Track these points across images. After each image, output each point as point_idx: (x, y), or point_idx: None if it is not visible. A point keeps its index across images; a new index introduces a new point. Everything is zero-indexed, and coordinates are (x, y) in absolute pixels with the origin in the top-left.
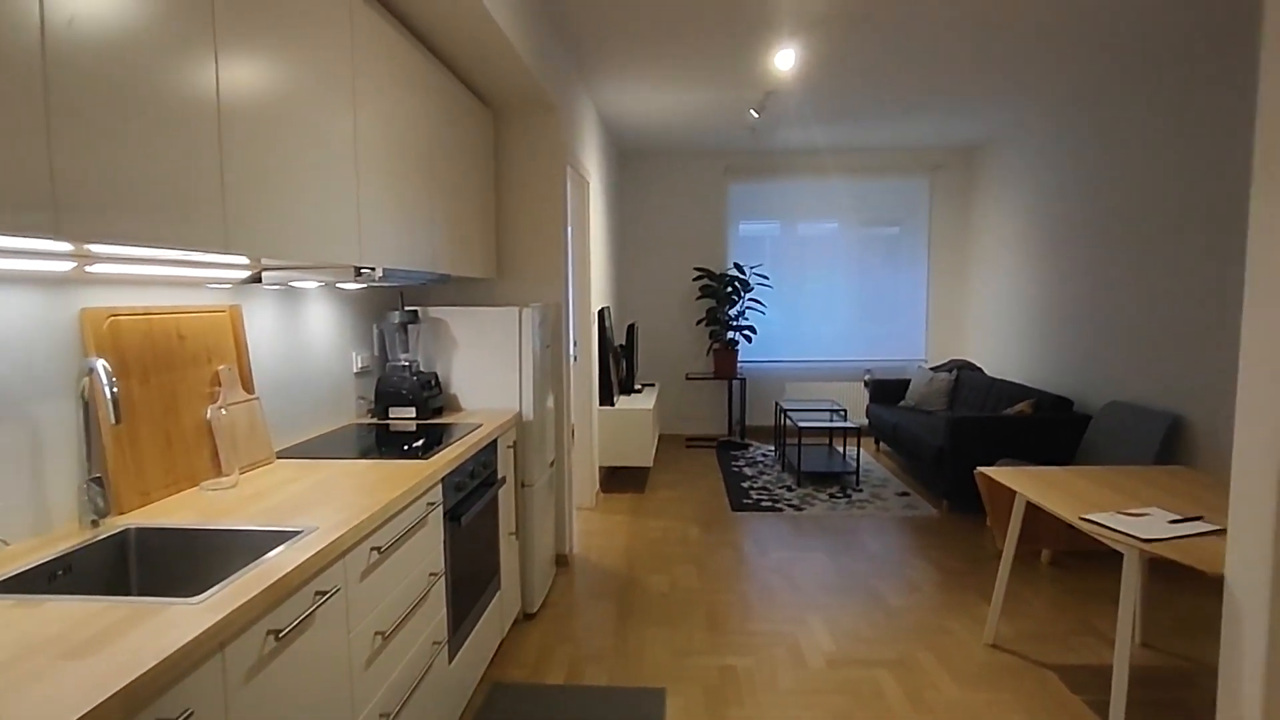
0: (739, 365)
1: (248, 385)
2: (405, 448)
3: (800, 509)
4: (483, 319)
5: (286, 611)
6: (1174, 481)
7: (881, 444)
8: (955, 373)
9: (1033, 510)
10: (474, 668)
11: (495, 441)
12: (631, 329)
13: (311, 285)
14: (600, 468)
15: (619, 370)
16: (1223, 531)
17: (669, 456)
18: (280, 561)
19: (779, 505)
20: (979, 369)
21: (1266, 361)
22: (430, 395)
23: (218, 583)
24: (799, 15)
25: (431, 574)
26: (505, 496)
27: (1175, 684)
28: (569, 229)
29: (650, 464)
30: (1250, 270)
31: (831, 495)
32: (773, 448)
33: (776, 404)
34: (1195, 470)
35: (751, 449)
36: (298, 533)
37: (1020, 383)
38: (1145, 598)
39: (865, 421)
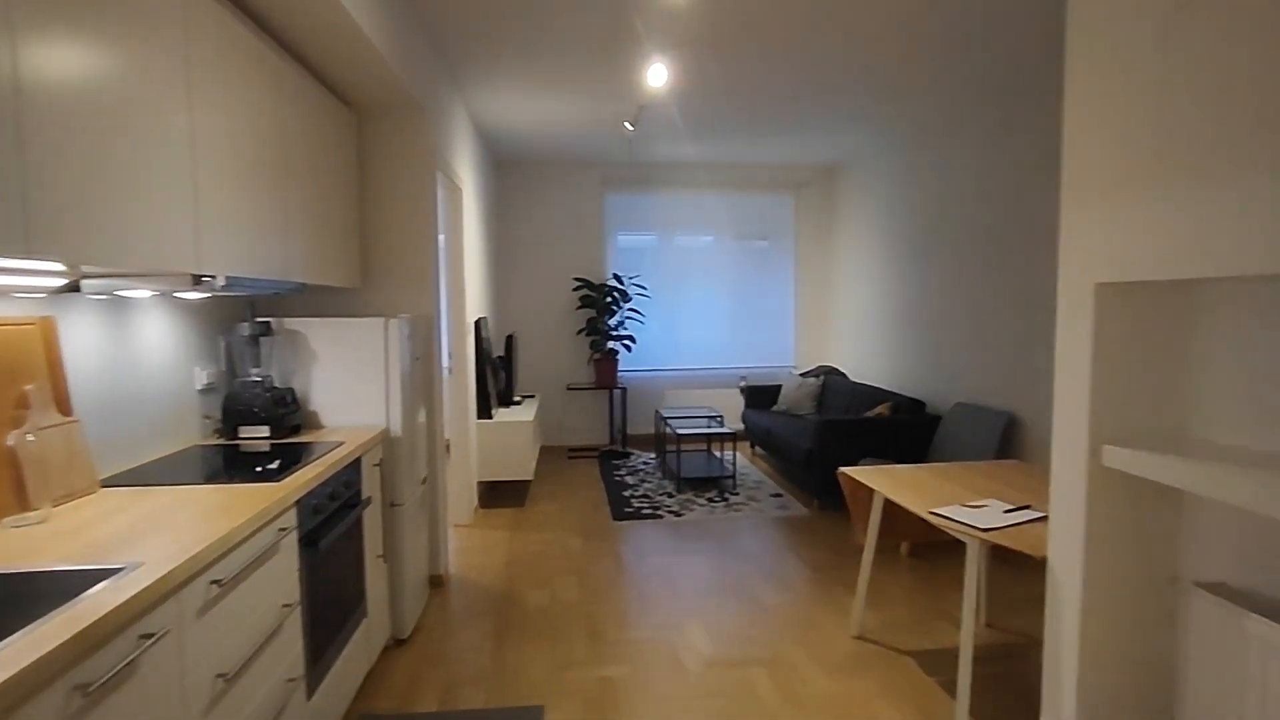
0: (619, 374)
1: (64, 407)
2: (257, 469)
3: (680, 514)
4: (346, 330)
5: (101, 661)
6: (1009, 474)
7: (757, 447)
8: (822, 378)
9: (890, 506)
10: (337, 702)
11: (359, 460)
12: (510, 340)
13: (144, 295)
14: (479, 483)
15: (497, 382)
16: (1047, 518)
17: (551, 468)
18: (94, 604)
19: (660, 512)
20: (843, 374)
21: (1076, 366)
22: (286, 412)
23: (8, 635)
24: (669, 33)
25: (285, 605)
26: (371, 517)
27: (1014, 658)
28: (441, 237)
29: (531, 477)
30: (1060, 284)
31: (710, 499)
32: (654, 455)
33: (657, 412)
34: (1027, 463)
35: (633, 458)
36: (118, 570)
37: (880, 386)
38: (989, 582)
39: (741, 426)
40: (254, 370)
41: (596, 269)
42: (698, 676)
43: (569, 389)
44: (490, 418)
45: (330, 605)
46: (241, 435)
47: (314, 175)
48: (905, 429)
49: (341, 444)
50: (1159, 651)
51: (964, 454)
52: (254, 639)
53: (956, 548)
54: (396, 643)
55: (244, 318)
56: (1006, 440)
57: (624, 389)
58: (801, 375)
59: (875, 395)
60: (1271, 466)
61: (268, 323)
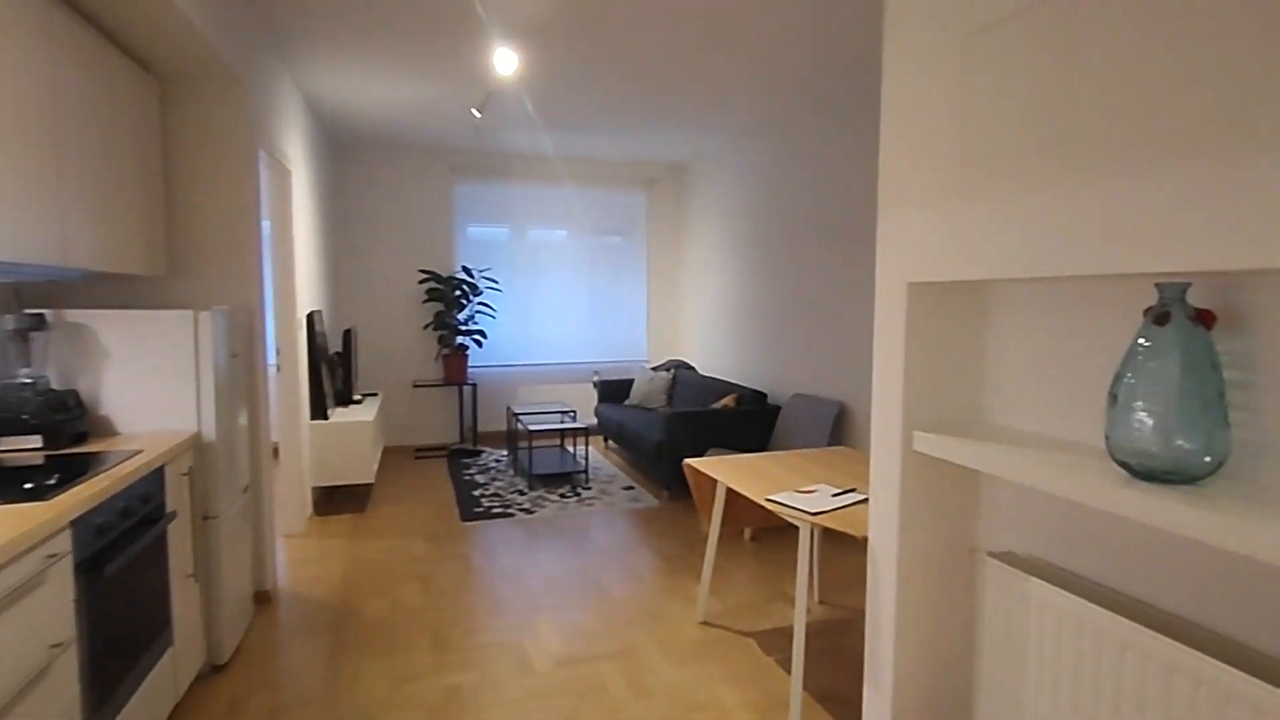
0: (469, 370)
1: None
2: (24, 486)
3: (532, 512)
4: (146, 325)
5: None
6: (839, 460)
7: (610, 441)
8: (673, 372)
9: (732, 495)
10: None
11: (162, 470)
12: (349, 335)
13: None
14: (314, 488)
15: (334, 380)
16: (866, 500)
17: (396, 470)
18: None
19: (510, 510)
20: (693, 368)
21: (891, 359)
22: (66, 419)
23: None
24: (514, 19)
25: (54, 645)
26: (179, 533)
27: (844, 632)
28: (266, 223)
29: (372, 480)
30: (878, 282)
31: (562, 495)
32: (506, 452)
33: (508, 408)
34: (855, 450)
35: (484, 455)
36: None
37: (726, 379)
38: (823, 562)
39: (595, 421)
40: (22, 370)
41: (445, 261)
42: (547, 676)
43: (415, 386)
44: (325, 418)
45: (121, 638)
46: (3, 448)
47: (103, 147)
48: (748, 419)
49: (139, 452)
50: (962, 617)
51: (801, 442)
52: (7, 691)
53: (794, 531)
54: (214, 669)
55: (8, 310)
56: (838, 428)
57: (474, 385)
58: (653, 369)
59: (721, 388)
60: (1050, 448)
61: (41, 315)
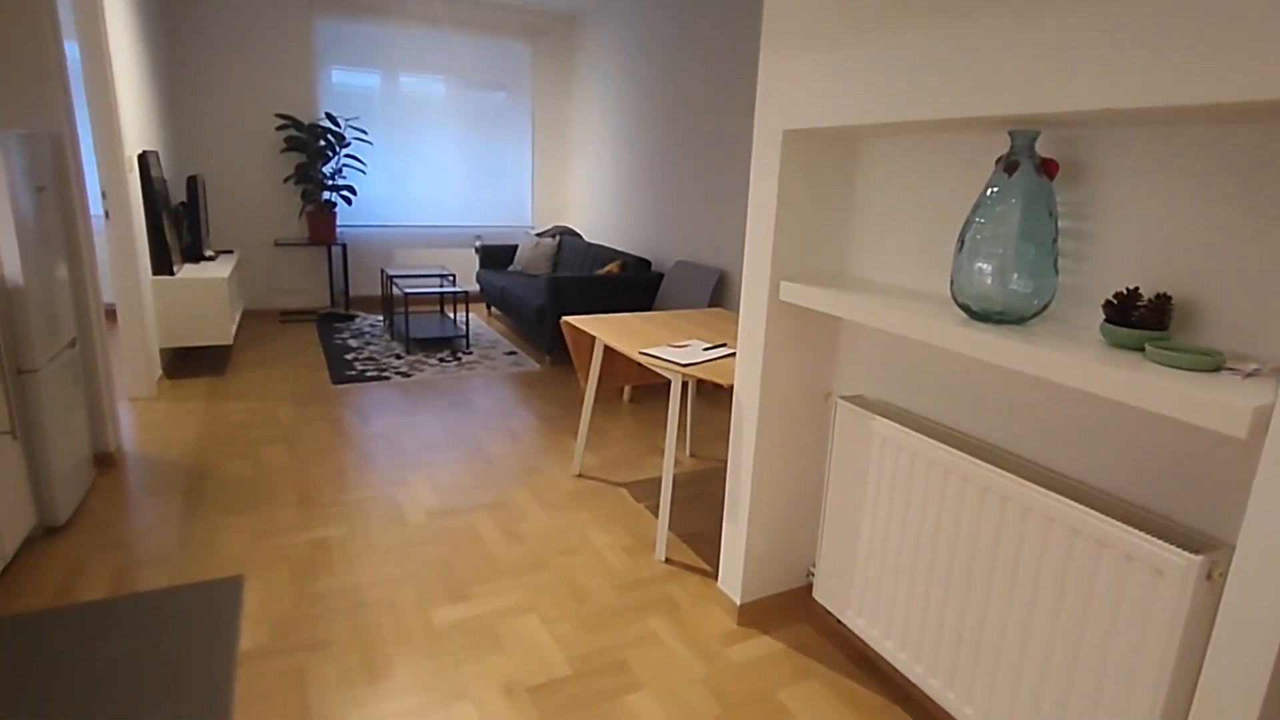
0: (339, 230)
1: None
2: None
3: (409, 375)
4: None
5: None
6: (712, 320)
7: (492, 309)
8: (558, 238)
9: (609, 353)
10: None
11: None
12: (194, 183)
13: None
14: (163, 350)
15: (180, 234)
16: (735, 354)
17: (259, 334)
18: None
19: (386, 374)
20: (578, 234)
21: (764, 210)
22: None
23: None
24: None
25: None
26: None
27: (710, 481)
28: (70, 38)
29: (229, 341)
30: (755, 132)
31: (442, 360)
32: (381, 318)
33: (383, 271)
34: (728, 311)
35: (358, 320)
36: None
37: (612, 247)
38: (696, 419)
39: (477, 287)
40: None
41: (306, 107)
42: (420, 527)
43: (277, 245)
44: (172, 274)
45: None
46: None
47: None
48: (631, 286)
49: None
50: (814, 456)
51: (683, 306)
52: None
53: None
54: (48, 531)
55: None
56: (717, 293)
57: (344, 246)
58: (538, 236)
59: (607, 255)
60: (904, 297)
61: None
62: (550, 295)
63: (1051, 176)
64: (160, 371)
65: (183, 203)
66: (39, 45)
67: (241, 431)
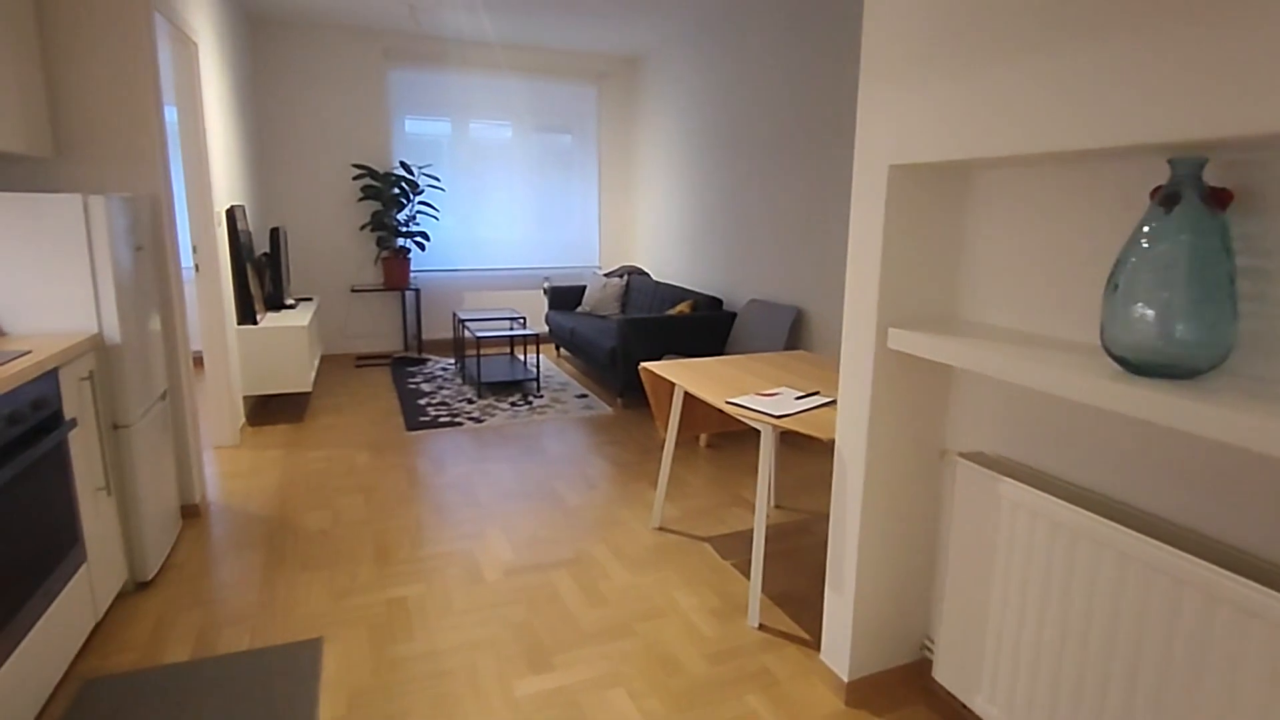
0: (412, 275)
1: None
2: None
3: (481, 420)
4: (25, 208)
5: None
6: (797, 364)
7: (562, 350)
8: (626, 278)
9: (690, 399)
10: (46, 668)
11: (55, 373)
12: (276, 234)
13: None
14: (246, 398)
15: (263, 283)
16: (834, 403)
17: (335, 379)
18: None
19: (459, 419)
20: (646, 274)
21: (867, 251)
22: None
23: None
24: None
25: None
26: (83, 443)
27: (801, 534)
28: (169, 102)
29: (309, 389)
30: (856, 168)
31: (513, 404)
32: (453, 361)
33: (454, 314)
34: (813, 353)
35: (430, 364)
36: None
37: (682, 285)
38: (778, 465)
39: (546, 329)
40: None
41: (381, 156)
42: (497, 585)
43: (354, 291)
44: (255, 323)
45: (18, 556)
46: None
47: None
48: (704, 326)
49: (26, 353)
50: (928, 519)
51: (758, 348)
52: None
53: (750, 436)
54: (138, 586)
55: None
56: (795, 333)
57: (417, 290)
58: (606, 275)
59: (676, 294)
60: (1033, 345)
61: None
62: (621, 337)
63: (1223, 207)
64: (244, 419)
65: (266, 253)
66: (143, 112)
67: (320, 480)
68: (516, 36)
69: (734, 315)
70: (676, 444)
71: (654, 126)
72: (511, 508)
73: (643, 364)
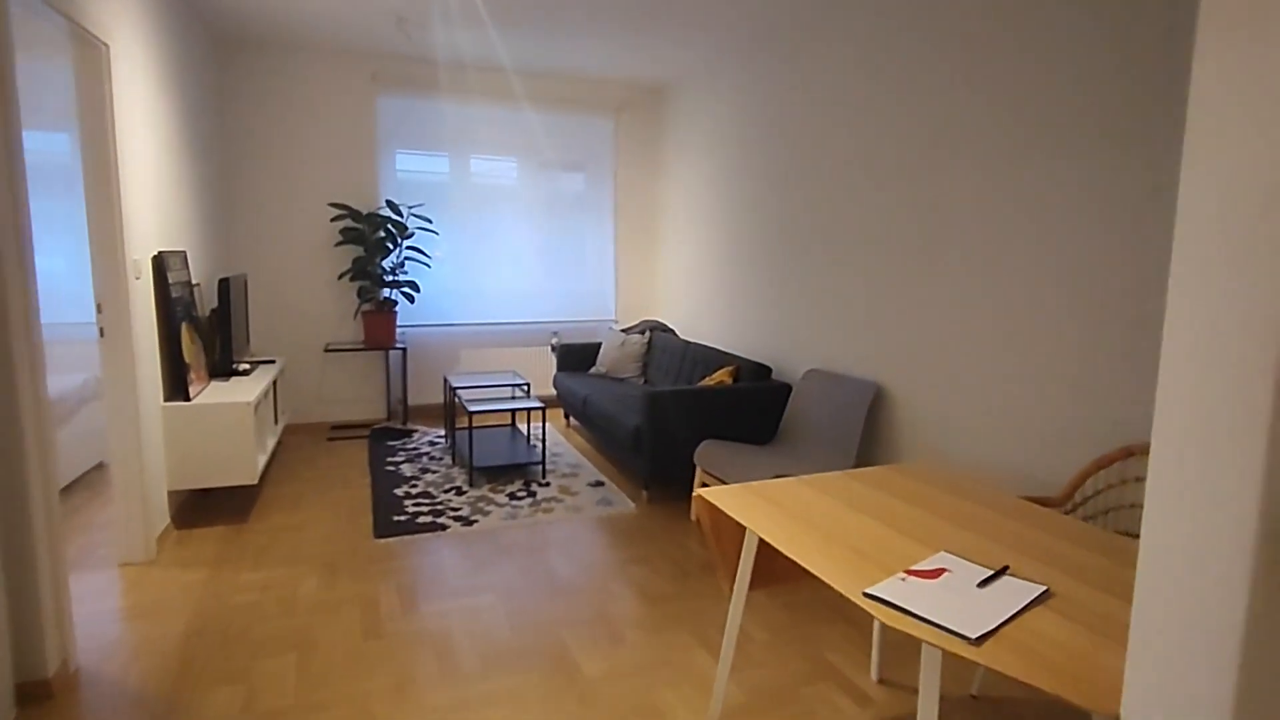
0: (398, 331)
1: None
2: None
3: (471, 521)
4: None
5: None
6: (925, 489)
7: (571, 419)
8: (648, 335)
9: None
10: None
11: None
12: (226, 286)
13: None
14: (174, 493)
15: (208, 345)
16: (1047, 595)
17: (300, 456)
18: None
19: (443, 519)
20: (672, 331)
21: (1228, 300)
22: None
23: None
24: None
25: None
26: None
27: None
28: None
29: (253, 481)
30: (1176, 258)
31: (513, 496)
32: (443, 433)
33: (445, 380)
34: (922, 464)
35: (416, 436)
36: None
37: (715, 347)
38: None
39: (553, 391)
40: None
41: (366, 194)
42: None
43: (328, 350)
44: (187, 398)
45: None
46: None
47: None
48: (751, 401)
49: None
50: None
51: (824, 433)
52: None
53: None
54: None
55: None
56: (874, 417)
57: (404, 349)
58: (623, 331)
59: (711, 357)
60: None
61: None
62: (649, 413)
63: None
64: (168, 520)
65: (215, 308)
66: None
67: (245, 625)
68: (523, 60)
69: (788, 388)
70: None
71: (681, 162)
72: (504, 684)
73: (700, 492)
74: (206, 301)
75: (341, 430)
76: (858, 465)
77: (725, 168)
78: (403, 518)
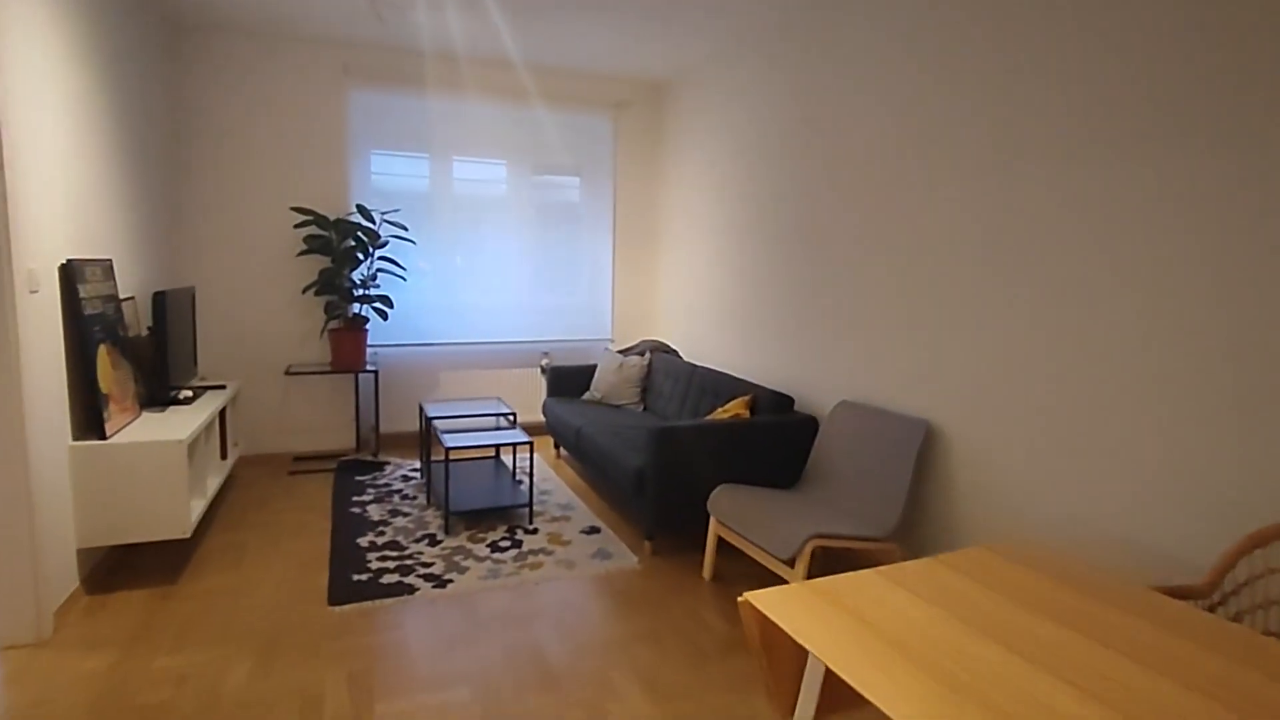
0: (370, 351)
1: None
2: None
3: (446, 581)
4: None
5: None
6: (1024, 578)
7: (562, 449)
8: (648, 356)
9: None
10: None
11: None
12: (162, 302)
13: None
14: (86, 551)
15: (140, 372)
16: None
17: (253, 495)
18: None
19: (412, 577)
20: (674, 351)
21: None
22: None
23: None
24: None
25: None
26: None
27: None
28: None
29: (185, 534)
30: None
31: (495, 546)
32: (418, 466)
33: (421, 409)
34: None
35: (389, 469)
36: None
37: (726, 372)
38: None
39: (542, 418)
40: None
41: (336, 198)
42: None
43: (289, 374)
44: (103, 437)
45: None
46: None
47: None
48: (774, 436)
49: None
50: None
51: (862, 478)
52: None
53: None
54: None
55: None
56: (924, 461)
57: (376, 372)
58: (620, 353)
59: (722, 385)
60: None
61: None
62: (657, 453)
63: None
64: (77, 584)
65: (152, 327)
66: None
67: None
68: (513, 51)
69: (814, 422)
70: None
71: (687, 165)
72: None
73: (748, 596)
74: (143, 319)
75: (305, 462)
76: (904, 519)
77: (738, 168)
78: (364, 577)
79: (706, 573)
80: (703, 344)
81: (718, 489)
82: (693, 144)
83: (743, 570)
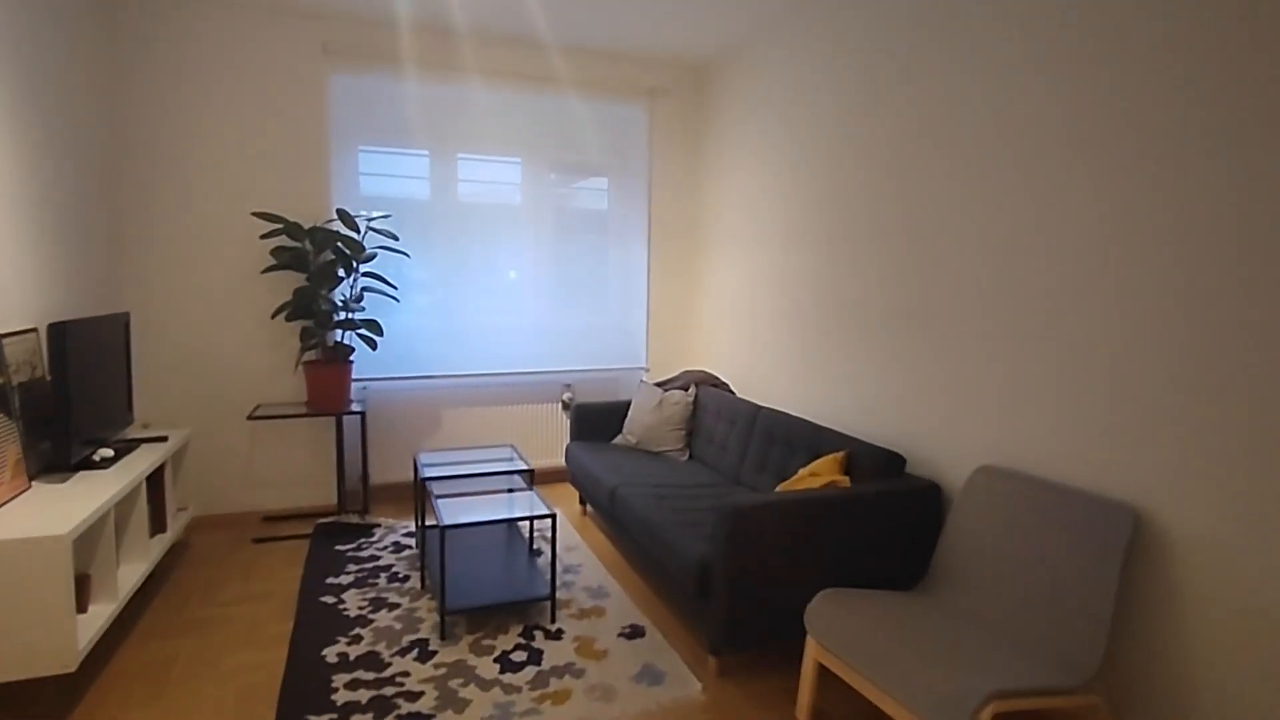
0: (355, 387)
1: None
2: None
3: (437, 712)
4: None
5: None
6: None
7: (589, 506)
8: (693, 392)
9: None
10: None
11: None
12: (62, 337)
13: None
14: None
15: (19, 427)
16: None
17: (201, 574)
18: None
19: (392, 713)
20: (725, 385)
21: None
22: None
23: None
24: None
25: None
26: None
27: None
28: None
29: (70, 668)
30: None
31: (505, 660)
32: (413, 530)
33: (415, 463)
34: None
35: (378, 533)
36: None
37: (802, 417)
38: None
39: (563, 463)
40: None
41: (313, 202)
42: None
43: (252, 418)
44: None
45: None
46: None
47: None
48: (883, 511)
49: None
50: None
51: (1035, 586)
52: None
53: None
54: None
55: None
56: (1131, 576)
57: (363, 413)
58: (659, 385)
59: (802, 434)
60: None
61: None
62: (729, 542)
63: None
64: None
65: (49, 375)
66: None
67: None
68: (528, 27)
69: (938, 491)
70: None
71: (736, 162)
72: None
73: None
74: (34, 365)
75: (275, 524)
76: (1110, 648)
77: (805, 162)
78: (327, 709)
79: (802, 714)
80: (761, 376)
81: (822, 595)
82: (742, 133)
83: (858, 709)
